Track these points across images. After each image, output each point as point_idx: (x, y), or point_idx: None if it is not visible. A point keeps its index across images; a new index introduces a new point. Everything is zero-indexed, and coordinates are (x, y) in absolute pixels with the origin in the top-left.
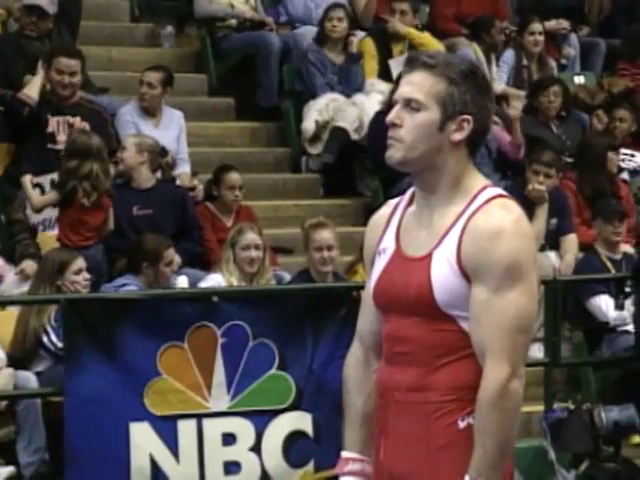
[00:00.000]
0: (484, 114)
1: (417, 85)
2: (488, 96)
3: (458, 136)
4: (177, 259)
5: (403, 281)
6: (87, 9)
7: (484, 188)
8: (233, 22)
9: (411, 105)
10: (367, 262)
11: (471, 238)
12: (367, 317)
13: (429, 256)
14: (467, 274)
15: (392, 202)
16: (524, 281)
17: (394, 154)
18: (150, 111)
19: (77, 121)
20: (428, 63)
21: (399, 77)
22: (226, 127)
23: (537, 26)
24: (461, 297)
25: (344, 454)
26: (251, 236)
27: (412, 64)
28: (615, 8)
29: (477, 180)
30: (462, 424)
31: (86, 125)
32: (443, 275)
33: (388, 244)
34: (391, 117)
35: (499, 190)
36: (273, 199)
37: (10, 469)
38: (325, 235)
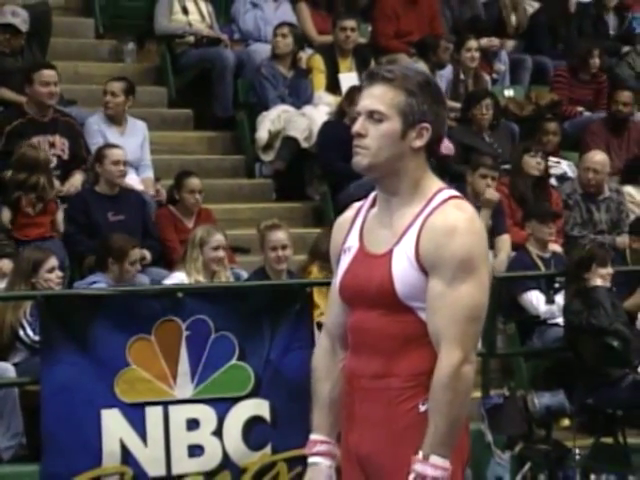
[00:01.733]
0: (440, 121)
1: (378, 98)
2: (443, 105)
3: (418, 143)
4: (148, 255)
5: (366, 276)
6: (55, 26)
7: (440, 190)
8: (191, 39)
9: (374, 116)
10: (333, 260)
11: (428, 235)
12: (333, 311)
13: (390, 253)
14: (424, 268)
15: (356, 205)
16: (476, 274)
17: (361, 161)
18: (115, 120)
19: (57, 140)
20: (387, 77)
21: (351, 90)
22: (185, 136)
23: (473, 43)
24: (419, 290)
25: (313, 437)
26: (219, 237)
27: (372, 78)
28: (536, 25)
29: (433, 182)
30: (422, 408)
31: (65, 142)
32: (403, 270)
33: (352, 243)
34: (357, 128)
35: (453, 192)
36: (229, 202)
37: None
38: (280, 235)
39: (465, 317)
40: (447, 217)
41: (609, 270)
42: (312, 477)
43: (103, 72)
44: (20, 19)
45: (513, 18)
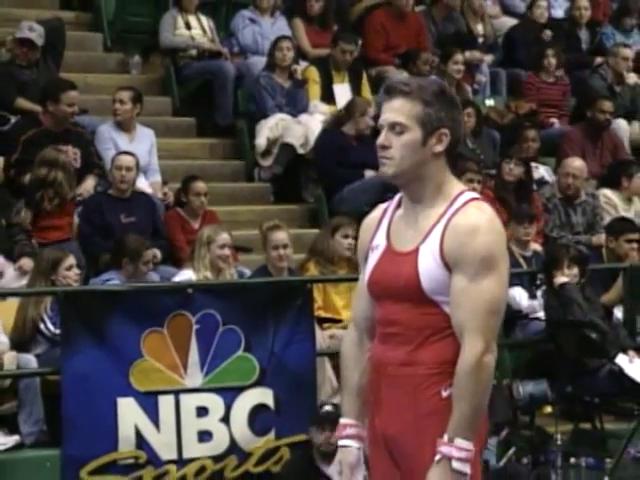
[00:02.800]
0: (457, 126)
1: (398, 110)
2: (458, 110)
3: (439, 148)
4: (158, 254)
5: (394, 272)
6: (67, 41)
7: (461, 192)
8: (193, 52)
9: (396, 128)
10: (360, 258)
11: (452, 234)
12: (361, 305)
13: (416, 251)
14: (448, 265)
15: (382, 206)
16: (497, 271)
17: (387, 170)
18: (125, 127)
19: (69, 149)
20: (405, 90)
21: (349, 103)
22: (188, 143)
23: (459, 57)
24: (443, 285)
25: (343, 421)
26: (225, 236)
27: (391, 92)
28: (512, 40)
29: (455, 185)
30: (445, 393)
31: (77, 152)
32: (428, 266)
33: (380, 241)
34: (381, 140)
35: (474, 194)
36: (230, 205)
37: (15, 437)
38: (281, 235)
39: (486, 310)
40: (469, 217)
41: (573, 270)
42: (342, 458)
43: (111, 83)
44: (36, 34)
45: (479, 27)
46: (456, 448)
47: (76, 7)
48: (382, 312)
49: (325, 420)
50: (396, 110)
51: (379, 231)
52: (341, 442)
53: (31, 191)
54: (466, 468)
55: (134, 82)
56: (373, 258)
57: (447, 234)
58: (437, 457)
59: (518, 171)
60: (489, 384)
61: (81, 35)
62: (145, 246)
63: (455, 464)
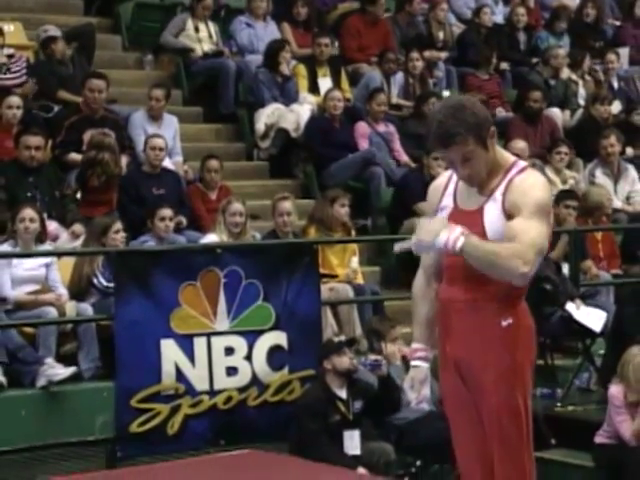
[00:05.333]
0: (489, 116)
1: (459, 151)
2: (480, 106)
3: (492, 140)
4: (183, 221)
5: (462, 226)
6: None
7: (515, 162)
8: (199, 52)
9: (466, 161)
10: (429, 216)
11: (514, 190)
12: (430, 254)
13: (481, 209)
14: (510, 215)
15: (446, 174)
16: (544, 219)
17: (477, 183)
18: (155, 117)
19: (106, 132)
20: (454, 140)
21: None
22: (197, 128)
23: (416, 55)
24: (504, 235)
25: (414, 345)
26: (237, 206)
27: (446, 144)
28: (463, 42)
29: (507, 156)
30: (504, 323)
31: (112, 133)
32: (492, 220)
33: (447, 203)
34: (462, 173)
35: (524, 162)
36: (234, 180)
37: (73, 368)
38: (285, 205)
39: (531, 242)
40: (529, 178)
41: None
42: (414, 375)
43: (130, 78)
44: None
45: (440, 34)
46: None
47: (98, 13)
48: (450, 259)
49: (341, 345)
50: (458, 151)
51: (446, 194)
52: (413, 362)
53: (82, 169)
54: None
55: (150, 77)
56: (442, 216)
57: (509, 191)
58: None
59: None
60: (501, 271)
61: (103, 37)
62: (159, 207)
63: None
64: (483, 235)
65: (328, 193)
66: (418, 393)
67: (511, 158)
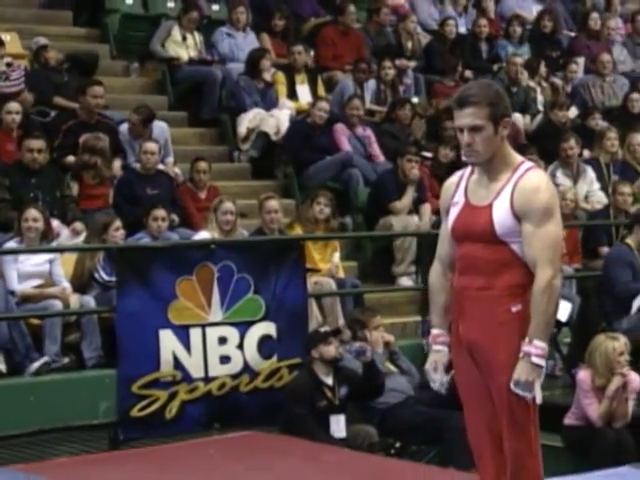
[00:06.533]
0: (509, 109)
1: (473, 115)
2: (506, 97)
3: (505, 132)
4: (176, 218)
5: (473, 221)
6: (80, 51)
7: (522, 162)
8: (185, 59)
9: (475, 129)
10: (442, 212)
11: (520, 193)
12: (444, 246)
13: (490, 205)
14: (517, 216)
15: (458, 173)
16: (554, 217)
17: (475, 160)
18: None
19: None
20: (474, 100)
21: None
22: (182, 132)
23: (389, 64)
24: (511, 230)
25: (435, 331)
26: (228, 205)
27: (463, 103)
28: (429, 52)
29: (515, 156)
30: (514, 309)
31: (106, 137)
32: (500, 216)
33: (459, 199)
34: (466, 140)
35: (531, 163)
36: (217, 181)
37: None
38: (272, 203)
39: (550, 246)
40: (532, 180)
41: None
42: (437, 358)
43: (118, 84)
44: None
45: (409, 44)
46: (534, 347)
47: (87, 24)
48: (462, 251)
49: (328, 334)
50: (471, 115)
51: (458, 191)
52: (435, 347)
53: (77, 170)
54: (542, 362)
55: (136, 83)
56: (455, 211)
57: (516, 193)
58: (521, 354)
59: (452, 155)
60: (557, 300)
61: (92, 46)
62: (154, 207)
63: (534, 359)
64: (492, 229)
65: (312, 194)
66: (441, 375)
67: (519, 158)
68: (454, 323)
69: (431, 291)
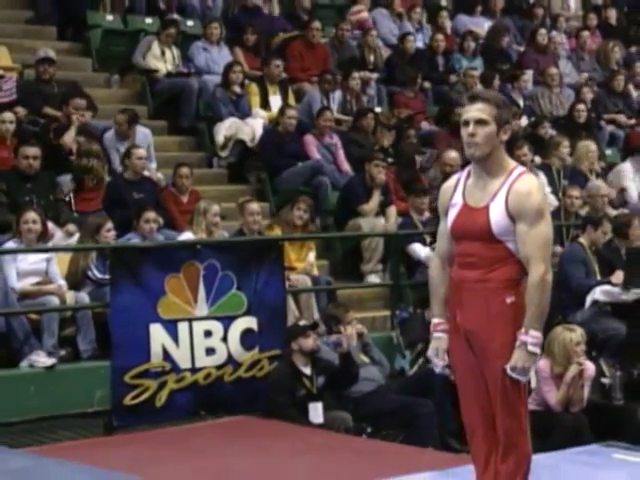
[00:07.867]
0: (511, 122)
1: (481, 110)
2: (511, 110)
3: (504, 137)
4: (160, 220)
5: (470, 221)
6: (64, 64)
7: (516, 167)
8: (164, 72)
9: (480, 123)
10: (441, 212)
11: (514, 195)
12: (443, 242)
13: (487, 207)
14: (512, 216)
15: (455, 176)
16: (545, 218)
17: (475, 152)
18: (123, 136)
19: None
20: (485, 97)
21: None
22: (162, 140)
23: (356, 75)
24: (506, 229)
25: (435, 320)
26: (217, 207)
27: (475, 98)
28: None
29: (510, 161)
30: (509, 300)
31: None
32: (497, 217)
33: (457, 200)
34: (471, 130)
35: (523, 168)
36: (196, 185)
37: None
38: (254, 206)
39: (543, 244)
40: (525, 184)
41: None
42: (438, 345)
43: (100, 95)
44: (54, 52)
45: (371, 57)
46: (530, 336)
47: (70, 38)
48: (461, 248)
49: (307, 328)
50: (479, 110)
51: (456, 193)
52: (436, 335)
53: (76, 173)
54: (537, 349)
55: (117, 95)
56: (453, 212)
57: (511, 195)
58: (518, 343)
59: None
60: (549, 294)
61: (75, 59)
62: (144, 210)
63: (530, 347)
64: (489, 229)
65: (293, 199)
66: (443, 360)
67: (512, 163)
68: (451, 310)
69: (431, 284)
